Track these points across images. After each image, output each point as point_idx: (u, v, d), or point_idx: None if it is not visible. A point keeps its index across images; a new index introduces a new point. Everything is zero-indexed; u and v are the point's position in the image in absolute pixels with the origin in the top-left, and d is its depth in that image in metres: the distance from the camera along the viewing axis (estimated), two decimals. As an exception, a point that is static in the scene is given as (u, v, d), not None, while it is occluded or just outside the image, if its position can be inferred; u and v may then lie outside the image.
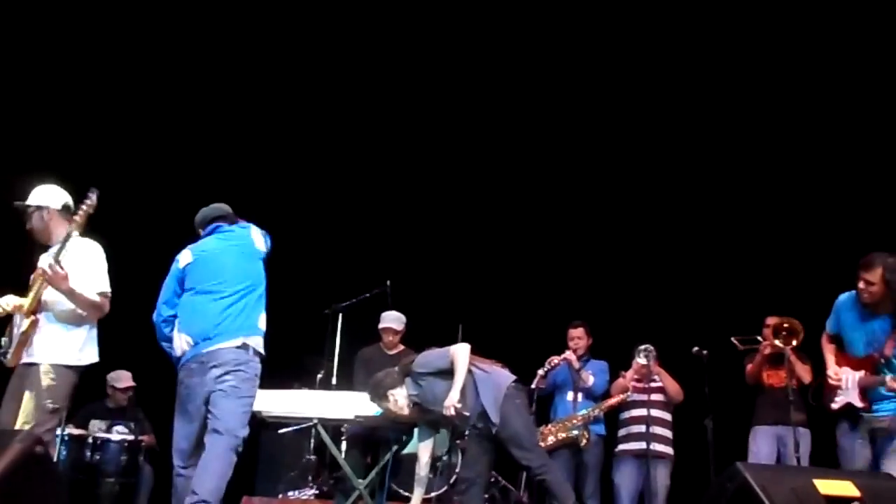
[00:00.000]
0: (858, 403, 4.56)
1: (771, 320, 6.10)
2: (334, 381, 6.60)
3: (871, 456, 4.54)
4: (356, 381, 6.11)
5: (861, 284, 4.51)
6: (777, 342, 5.53)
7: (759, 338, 6.03)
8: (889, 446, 4.47)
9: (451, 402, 4.53)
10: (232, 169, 8.09)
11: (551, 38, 8.04)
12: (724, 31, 7.65)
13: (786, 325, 5.53)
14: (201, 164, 8.06)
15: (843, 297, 4.77)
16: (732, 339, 6.14)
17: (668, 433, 6.06)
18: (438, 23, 8.03)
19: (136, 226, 7.64)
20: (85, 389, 6.31)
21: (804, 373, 5.81)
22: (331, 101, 8.33)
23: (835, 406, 4.66)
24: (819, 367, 5.72)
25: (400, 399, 4.76)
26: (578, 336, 6.28)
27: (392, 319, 6.26)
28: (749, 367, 6.11)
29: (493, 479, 6.22)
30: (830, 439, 5.68)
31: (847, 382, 4.60)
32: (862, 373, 4.56)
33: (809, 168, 7.64)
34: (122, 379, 6.81)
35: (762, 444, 5.94)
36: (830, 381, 4.65)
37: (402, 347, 6.28)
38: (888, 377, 4.43)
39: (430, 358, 4.82)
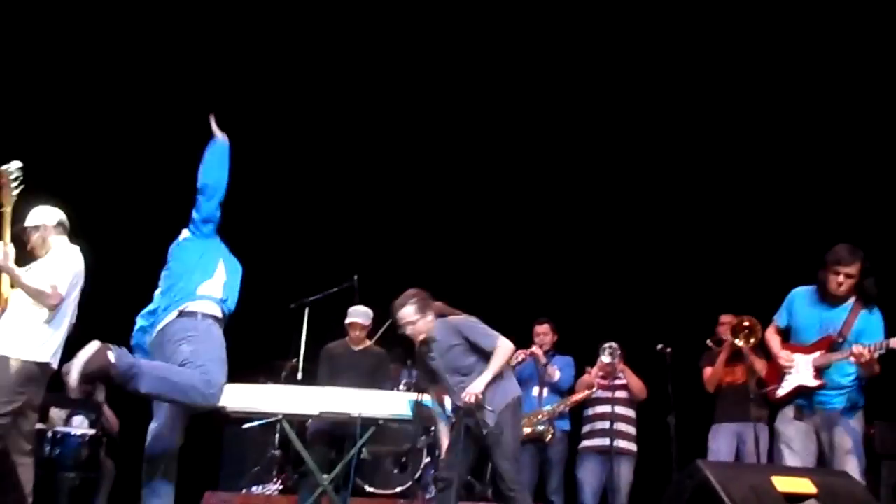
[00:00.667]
0: (812, 383, 4.50)
1: (726, 318, 6.19)
2: (300, 376, 6.56)
3: (817, 450, 4.53)
4: (320, 376, 6.09)
5: (840, 279, 4.46)
6: (738, 342, 5.60)
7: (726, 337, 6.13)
8: (837, 440, 4.46)
9: (474, 392, 4.44)
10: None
11: (523, 30, 8.05)
12: (687, 36, 7.73)
13: (745, 324, 5.61)
14: (167, 158, 7.97)
15: (800, 290, 4.75)
16: (708, 341, 6.24)
17: (631, 430, 6.12)
18: (406, 19, 8.02)
19: (103, 227, 7.56)
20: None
21: (763, 368, 5.89)
22: (298, 95, 8.28)
23: (781, 392, 4.61)
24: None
25: (427, 324, 4.68)
26: (544, 332, 6.32)
27: (359, 314, 6.23)
28: (709, 370, 6.17)
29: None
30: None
31: (798, 365, 4.56)
32: (817, 354, 4.52)
33: (763, 172, 7.77)
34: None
35: (722, 441, 6.02)
36: (782, 363, 4.60)
37: (368, 343, 6.28)
38: (854, 346, 4.33)
39: (477, 329, 4.69)
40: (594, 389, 6.09)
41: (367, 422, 5.41)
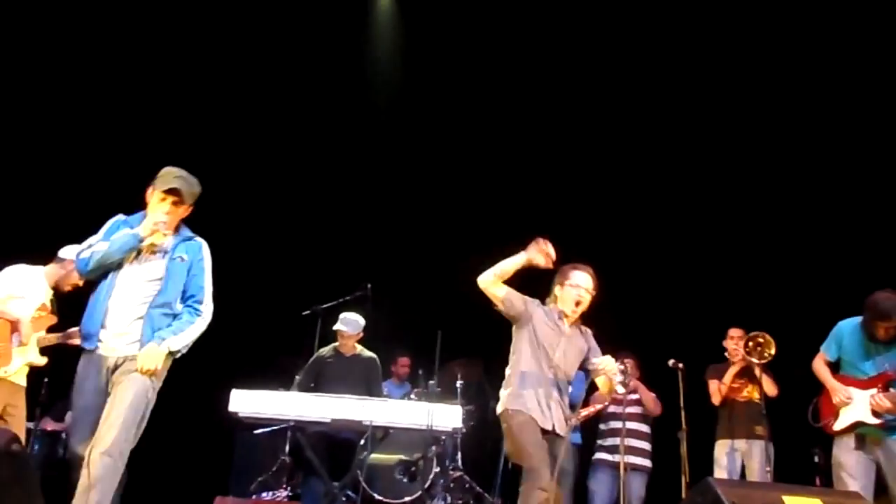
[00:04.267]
0: (871, 420, 4.58)
1: (734, 332, 6.16)
2: (312, 384, 6.59)
3: (875, 476, 4.58)
4: (302, 382, 6.16)
5: (882, 332, 4.59)
6: (753, 358, 5.59)
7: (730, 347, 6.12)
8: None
9: None
10: (211, 169, 8.06)
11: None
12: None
13: (759, 339, 5.60)
14: (180, 161, 8.02)
15: (846, 324, 4.83)
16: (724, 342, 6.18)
17: (645, 445, 6.11)
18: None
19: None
20: (62, 384, 6.32)
21: (771, 386, 5.87)
22: (308, 103, 8.33)
23: (839, 426, 4.69)
24: (783, 381, 5.81)
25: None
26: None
27: (347, 323, 6.31)
28: (715, 383, 6.12)
29: (467, 485, 6.24)
30: (792, 453, 5.75)
31: (855, 400, 4.65)
32: (874, 390, 4.60)
33: (781, 185, 7.73)
34: None
35: (728, 457, 5.99)
36: (842, 401, 4.68)
37: (359, 349, 6.36)
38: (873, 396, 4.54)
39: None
40: (606, 404, 6.09)
41: (378, 430, 5.44)
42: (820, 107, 7.52)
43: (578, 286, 4.42)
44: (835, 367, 4.87)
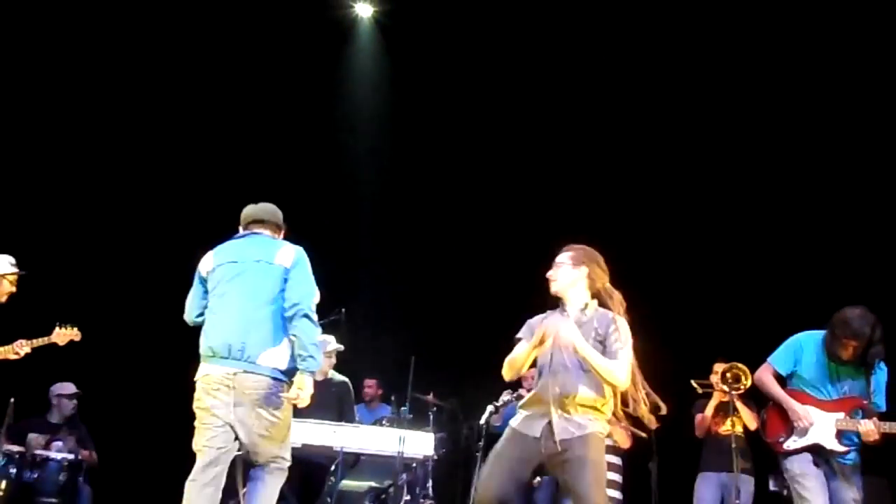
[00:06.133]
0: (837, 447, 4.37)
1: (719, 367, 6.21)
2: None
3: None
4: None
5: (849, 351, 4.31)
6: (724, 387, 5.64)
7: (714, 381, 6.14)
8: (844, 493, 4.36)
9: None
10: (190, 196, 8.06)
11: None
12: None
13: (735, 371, 5.64)
14: (160, 190, 8.00)
15: (807, 339, 4.53)
16: (692, 381, 6.21)
17: (616, 477, 6.09)
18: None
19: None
20: (26, 404, 6.20)
21: (751, 419, 5.91)
22: (280, 134, 8.38)
23: (793, 446, 4.45)
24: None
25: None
26: (532, 376, 6.29)
27: (329, 341, 6.27)
28: (699, 417, 6.19)
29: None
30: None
31: (818, 422, 4.40)
32: (840, 414, 4.38)
33: (752, 217, 7.85)
34: (66, 387, 6.69)
35: (707, 491, 6.03)
36: (799, 419, 4.41)
37: (331, 372, 6.31)
38: (863, 423, 4.29)
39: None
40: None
41: (349, 456, 5.39)
42: (787, 133, 7.65)
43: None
44: (782, 382, 4.56)
